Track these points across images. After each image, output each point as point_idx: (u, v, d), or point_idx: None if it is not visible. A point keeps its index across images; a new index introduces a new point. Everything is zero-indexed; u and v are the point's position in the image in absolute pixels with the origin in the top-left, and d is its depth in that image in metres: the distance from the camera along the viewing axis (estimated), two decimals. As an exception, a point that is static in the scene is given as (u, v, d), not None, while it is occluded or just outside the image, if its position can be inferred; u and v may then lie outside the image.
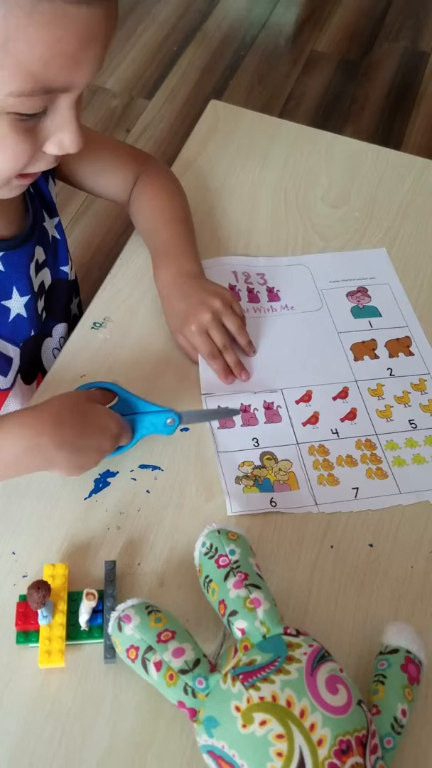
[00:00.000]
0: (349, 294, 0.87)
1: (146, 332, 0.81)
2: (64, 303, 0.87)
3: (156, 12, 2.52)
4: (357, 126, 2.19)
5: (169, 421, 0.70)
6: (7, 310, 0.76)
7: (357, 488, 0.72)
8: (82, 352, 0.79)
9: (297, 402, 0.78)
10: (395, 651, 0.58)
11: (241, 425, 0.75)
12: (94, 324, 0.81)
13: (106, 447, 0.66)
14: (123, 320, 0.82)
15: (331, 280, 0.88)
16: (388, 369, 0.80)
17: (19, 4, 0.49)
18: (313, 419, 0.76)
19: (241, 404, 0.76)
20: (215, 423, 0.75)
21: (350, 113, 2.24)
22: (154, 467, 0.71)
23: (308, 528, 0.69)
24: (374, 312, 0.85)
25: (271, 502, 0.70)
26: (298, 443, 0.74)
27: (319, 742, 0.49)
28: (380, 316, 0.85)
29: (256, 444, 0.74)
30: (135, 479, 0.70)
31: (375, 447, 0.74)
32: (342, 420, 0.76)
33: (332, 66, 2.40)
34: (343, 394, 0.78)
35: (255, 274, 0.88)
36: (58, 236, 0.83)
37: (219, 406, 0.76)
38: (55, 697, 0.58)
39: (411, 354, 0.82)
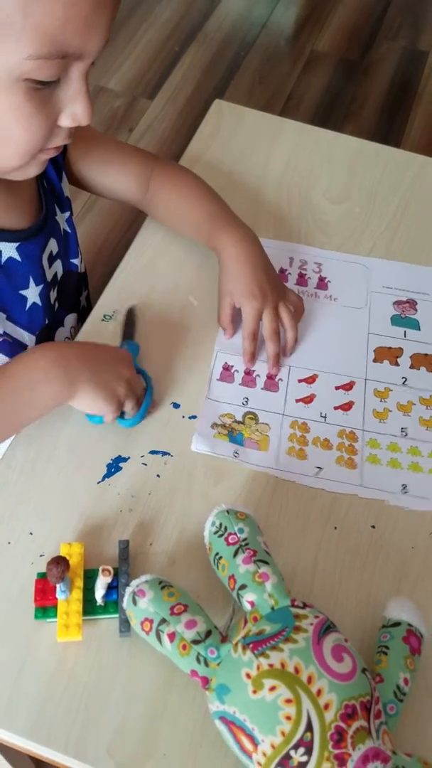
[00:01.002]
0: (397, 303, 0.88)
1: (155, 325, 0.84)
2: (74, 294, 0.90)
3: (157, 13, 2.55)
4: (357, 125, 2.21)
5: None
6: (24, 299, 0.78)
7: (321, 468, 0.74)
8: (94, 343, 0.82)
9: (299, 381, 0.81)
10: (397, 624, 0.61)
11: (239, 384, 0.79)
12: (105, 317, 0.84)
13: (125, 374, 0.71)
14: (132, 312, 0.85)
15: (385, 286, 0.90)
16: (402, 377, 0.82)
17: None
18: (308, 399, 0.79)
19: (246, 368, 0.81)
20: (215, 373, 0.79)
21: (350, 112, 2.27)
22: (164, 453, 0.74)
23: (313, 510, 0.72)
24: (414, 324, 0.87)
25: (234, 453, 0.73)
26: (283, 414, 0.78)
27: (326, 707, 0.52)
28: (418, 330, 0.86)
29: (245, 403, 0.78)
30: (146, 464, 0.73)
31: (356, 440, 0.77)
32: (335, 408, 0.79)
33: (332, 65, 2.43)
34: (348, 386, 0.81)
35: (313, 262, 0.92)
36: (69, 230, 0.86)
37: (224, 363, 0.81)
38: (73, 669, 0.61)
39: None
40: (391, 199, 1.00)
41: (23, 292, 0.78)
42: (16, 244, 0.75)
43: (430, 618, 0.63)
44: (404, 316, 0.87)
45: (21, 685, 0.60)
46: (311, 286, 0.90)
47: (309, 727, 0.51)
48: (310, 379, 0.81)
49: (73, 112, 0.61)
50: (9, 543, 0.67)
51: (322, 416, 0.78)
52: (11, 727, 0.58)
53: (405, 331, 0.86)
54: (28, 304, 0.79)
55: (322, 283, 0.90)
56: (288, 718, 0.51)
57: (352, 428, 0.77)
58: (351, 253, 0.93)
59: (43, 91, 0.59)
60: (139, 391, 0.74)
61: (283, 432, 0.77)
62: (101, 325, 0.84)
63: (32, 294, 0.79)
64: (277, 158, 1.04)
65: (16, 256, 0.75)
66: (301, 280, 0.90)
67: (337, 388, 0.81)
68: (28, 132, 0.61)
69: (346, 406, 0.79)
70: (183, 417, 0.77)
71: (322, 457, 0.75)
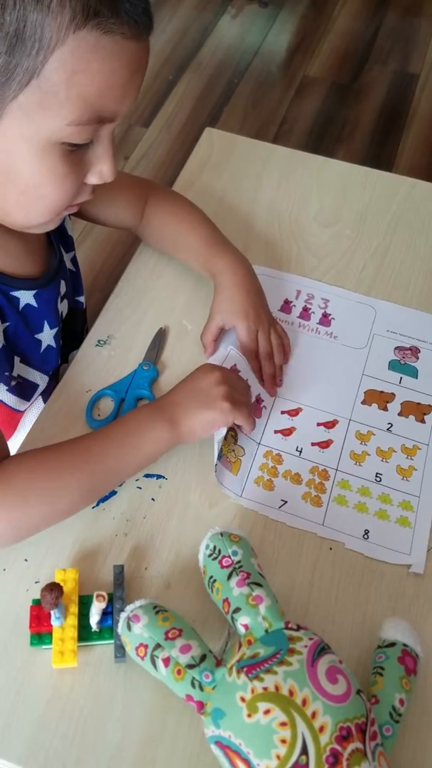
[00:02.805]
0: (399, 348, 0.87)
1: (147, 349, 0.85)
2: (80, 330, 0.91)
3: (151, 42, 2.58)
4: (349, 148, 2.24)
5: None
6: (39, 342, 0.79)
7: (285, 501, 0.74)
8: (88, 369, 0.83)
9: (282, 412, 0.81)
10: (392, 644, 0.61)
11: None
12: (99, 342, 0.85)
13: (220, 390, 0.72)
14: (125, 338, 0.86)
15: (389, 330, 0.89)
16: (389, 423, 0.80)
17: (86, 39, 0.53)
18: (287, 432, 0.79)
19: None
20: None
21: (342, 135, 2.29)
22: (158, 476, 0.74)
23: (307, 531, 0.72)
24: (411, 371, 0.85)
25: (215, 466, 0.74)
26: (259, 443, 0.78)
27: (321, 729, 0.52)
28: (415, 378, 0.85)
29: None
30: (140, 488, 0.73)
31: (327, 478, 0.76)
32: (312, 444, 0.78)
33: (324, 90, 2.46)
34: (330, 424, 0.80)
35: (320, 297, 0.91)
36: (74, 269, 0.88)
37: None
38: (68, 695, 0.61)
39: (422, 422, 0.81)
40: (380, 222, 1.01)
41: (38, 336, 0.79)
42: (33, 292, 0.76)
43: (425, 638, 0.63)
44: (403, 362, 0.86)
45: (17, 712, 0.60)
46: (314, 321, 0.89)
47: (304, 750, 0.51)
48: (294, 412, 0.81)
49: (100, 170, 0.64)
50: (4, 570, 0.67)
51: (297, 450, 0.77)
52: (7, 754, 0.57)
53: (401, 378, 0.84)
54: (43, 347, 0.80)
55: (326, 320, 0.89)
56: (283, 741, 0.51)
57: (325, 466, 0.76)
58: (343, 275, 0.94)
59: (76, 152, 0.61)
60: (245, 396, 0.76)
61: (256, 461, 0.76)
62: (95, 350, 0.84)
63: (47, 337, 0.80)
64: (267, 184, 1.05)
65: (33, 303, 0.76)
66: (305, 313, 0.90)
67: (319, 424, 0.80)
68: (60, 191, 0.63)
69: (324, 444, 0.78)
70: (177, 441, 0.77)
71: (289, 490, 0.74)
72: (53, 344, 0.81)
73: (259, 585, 0.60)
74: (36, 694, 0.61)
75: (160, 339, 0.85)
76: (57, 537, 0.69)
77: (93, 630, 0.63)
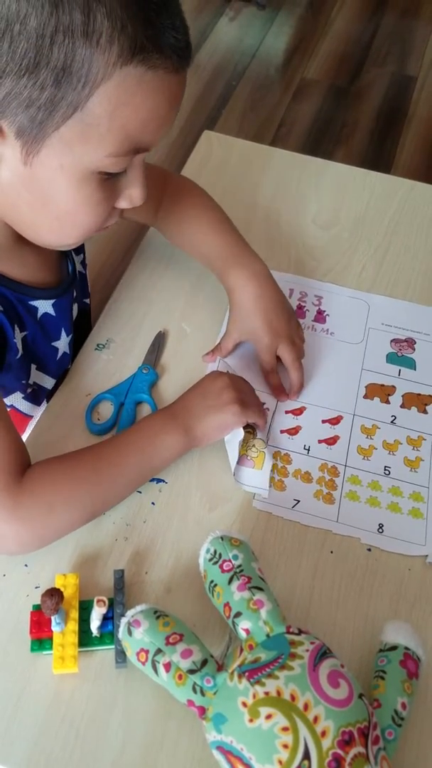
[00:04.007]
0: (395, 341, 0.88)
1: (147, 352, 0.84)
2: (86, 332, 0.91)
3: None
4: (348, 149, 2.24)
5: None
6: (56, 350, 0.79)
7: (298, 501, 0.74)
8: (87, 372, 0.82)
9: (287, 412, 0.81)
10: (394, 648, 0.61)
11: None
12: (98, 345, 0.85)
13: (231, 395, 0.73)
14: (125, 341, 0.86)
15: (384, 323, 0.90)
16: (392, 416, 0.81)
17: (132, 74, 0.53)
18: (293, 431, 0.79)
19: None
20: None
21: (341, 137, 2.30)
22: (159, 480, 0.74)
23: (308, 534, 0.72)
24: (410, 363, 0.86)
25: (233, 471, 0.74)
26: (267, 444, 0.77)
27: (323, 734, 0.51)
28: (414, 369, 0.85)
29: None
30: (140, 492, 0.73)
31: (337, 475, 0.76)
32: (320, 441, 0.78)
33: (322, 92, 2.47)
34: (335, 420, 0.80)
35: (313, 295, 0.92)
36: (83, 271, 0.88)
37: None
38: (69, 701, 0.60)
39: (424, 412, 0.82)
40: (379, 223, 1.01)
41: (55, 344, 0.79)
42: (52, 301, 0.76)
43: (427, 641, 0.63)
44: (401, 354, 0.87)
45: (17, 718, 0.59)
46: (309, 318, 0.90)
47: (306, 755, 0.51)
48: (298, 411, 0.81)
49: (130, 194, 0.64)
50: (4, 575, 0.67)
51: (305, 449, 0.78)
52: (8, 760, 0.57)
53: (400, 370, 0.85)
54: (59, 354, 0.80)
55: (320, 317, 0.90)
56: (285, 746, 0.51)
57: (334, 463, 0.77)
58: (342, 276, 0.94)
59: (110, 179, 0.61)
60: (253, 397, 0.77)
61: (266, 463, 0.76)
62: (94, 354, 0.84)
63: (63, 345, 0.80)
64: (266, 186, 1.05)
65: (51, 311, 0.76)
66: (299, 311, 0.90)
67: (323, 421, 0.80)
68: (93, 217, 0.63)
69: (331, 441, 0.79)
70: (177, 444, 0.77)
71: (301, 489, 0.75)
72: (68, 350, 0.82)
73: (260, 589, 0.60)
74: (37, 699, 0.60)
75: (159, 342, 0.85)
76: (57, 542, 0.69)
77: (94, 635, 0.62)
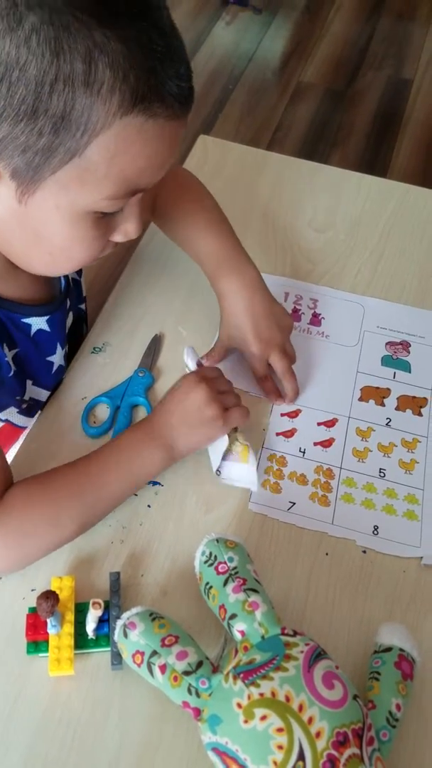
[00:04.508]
0: (390, 344, 0.88)
1: (143, 355, 0.85)
2: (82, 337, 0.91)
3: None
4: (344, 153, 2.25)
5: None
6: (51, 364, 0.79)
7: (294, 503, 0.74)
8: (83, 376, 0.83)
9: (282, 415, 0.81)
10: (389, 649, 0.61)
11: None
12: (94, 349, 0.85)
13: (212, 410, 0.71)
14: (121, 345, 0.86)
15: (379, 326, 0.90)
16: (387, 418, 0.81)
17: (132, 123, 0.53)
18: (289, 434, 0.79)
19: (235, 387, 0.79)
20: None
21: (337, 141, 2.30)
22: (155, 483, 0.74)
23: (303, 536, 0.72)
24: (404, 366, 0.86)
25: (217, 471, 0.74)
26: (263, 447, 0.78)
27: (318, 735, 0.52)
28: (408, 372, 0.86)
29: None
30: (136, 495, 0.73)
31: (332, 477, 0.76)
32: (315, 444, 0.79)
33: (318, 96, 2.47)
34: (330, 423, 0.81)
35: (309, 298, 0.92)
36: (77, 277, 0.87)
37: None
38: (66, 703, 0.61)
39: (419, 414, 0.82)
40: (374, 227, 1.01)
41: (50, 359, 0.78)
42: (46, 317, 0.75)
43: (422, 643, 0.63)
44: (396, 357, 0.87)
45: (14, 721, 0.60)
46: (304, 321, 0.90)
47: (301, 756, 0.51)
48: (293, 414, 0.81)
49: (126, 229, 0.63)
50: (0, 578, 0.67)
51: (300, 451, 0.78)
52: (4, 762, 0.57)
53: (395, 372, 0.85)
54: (54, 368, 0.80)
55: (316, 320, 0.90)
56: (280, 747, 0.51)
57: (329, 465, 0.77)
58: (337, 279, 0.95)
59: (106, 217, 0.61)
60: (231, 397, 0.75)
61: (261, 464, 0.77)
62: (90, 357, 0.85)
63: (58, 358, 0.80)
64: (261, 190, 1.06)
65: (46, 327, 0.76)
66: (295, 315, 0.90)
67: (319, 424, 0.81)
68: (88, 252, 0.63)
69: (326, 443, 0.79)
70: (173, 447, 0.77)
71: (297, 492, 0.75)
72: (63, 363, 0.81)
73: (255, 591, 0.60)
74: (33, 702, 0.60)
75: (155, 346, 0.86)
76: (53, 545, 0.69)
77: (89, 637, 0.63)
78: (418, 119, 2.39)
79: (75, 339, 0.89)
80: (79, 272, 0.88)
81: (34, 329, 0.75)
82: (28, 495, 0.67)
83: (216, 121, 2.35)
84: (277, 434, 0.79)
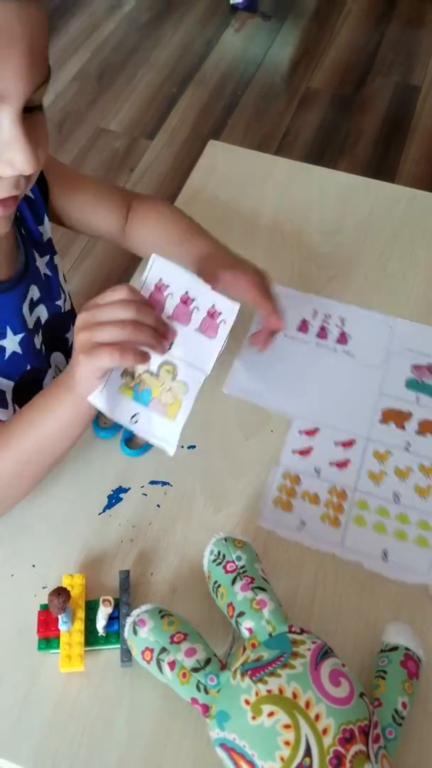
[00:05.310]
0: (417, 366, 0.87)
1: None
2: (61, 334, 0.91)
3: (155, 56, 2.62)
4: (352, 158, 2.26)
5: None
6: (2, 348, 0.78)
7: (304, 522, 0.73)
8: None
9: (300, 432, 0.80)
10: (395, 648, 0.62)
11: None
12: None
13: (77, 345, 0.62)
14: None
15: (407, 347, 0.89)
16: (406, 441, 0.80)
17: None
18: (305, 452, 0.79)
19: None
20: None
21: (345, 146, 2.31)
22: (164, 483, 0.75)
23: (326, 552, 0.72)
24: (429, 390, 0.84)
25: (132, 418, 0.64)
26: (279, 464, 0.78)
27: (324, 731, 0.52)
28: None
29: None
30: (146, 494, 0.74)
31: (345, 498, 0.75)
32: (331, 464, 0.78)
33: (326, 101, 2.49)
34: (348, 443, 0.80)
35: (337, 317, 0.91)
36: (49, 273, 0.86)
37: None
38: (76, 699, 0.62)
39: None
40: (382, 231, 1.02)
41: (1, 342, 0.77)
42: None
43: (427, 642, 0.64)
44: (421, 380, 0.85)
45: (25, 716, 0.60)
46: (331, 339, 0.89)
47: (308, 752, 0.52)
48: (311, 432, 0.80)
49: (11, 159, 0.59)
50: (12, 575, 0.68)
51: (315, 471, 0.77)
52: (16, 757, 0.58)
53: (418, 396, 0.84)
54: (7, 354, 0.78)
55: (343, 338, 0.89)
56: (287, 743, 0.52)
57: (343, 486, 0.76)
58: (345, 283, 0.95)
59: None
60: (112, 329, 0.61)
61: (273, 483, 0.76)
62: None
63: (11, 343, 0.78)
64: (270, 195, 1.07)
65: None
66: (322, 332, 0.90)
67: (336, 444, 0.80)
68: None
69: (342, 464, 0.78)
70: (182, 447, 0.78)
71: (308, 511, 0.74)
72: (19, 350, 0.79)
73: (262, 589, 0.61)
74: (44, 697, 0.61)
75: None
76: (64, 543, 0.70)
77: (99, 634, 0.63)
78: (426, 125, 2.39)
79: (58, 335, 0.89)
80: (53, 269, 0.87)
81: None
82: None
83: (225, 126, 2.37)
84: (294, 452, 0.79)
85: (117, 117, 2.37)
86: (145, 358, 0.63)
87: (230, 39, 2.73)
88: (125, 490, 0.75)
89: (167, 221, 0.91)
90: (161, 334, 0.63)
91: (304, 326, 0.91)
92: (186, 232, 0.89)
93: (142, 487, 0.75)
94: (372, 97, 2.50)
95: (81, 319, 0.62)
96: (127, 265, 0.94)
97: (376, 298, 0.94)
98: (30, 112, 0.59)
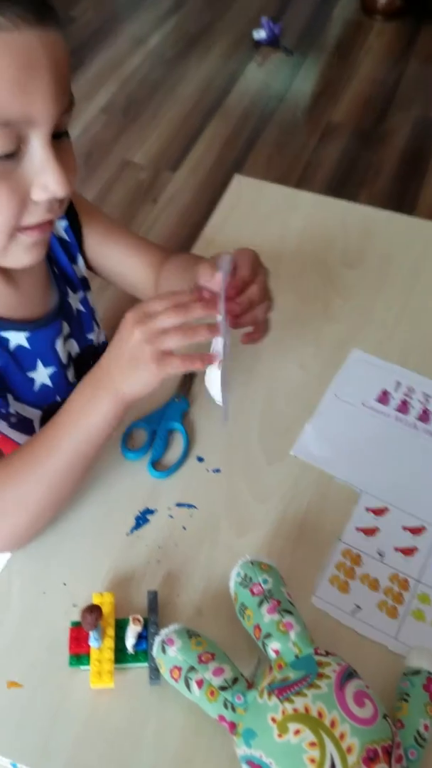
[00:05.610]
0: None
1: (179, 382, 0.88)
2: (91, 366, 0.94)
3: (180, 90, 2.69)
4: (372, 191, 2.30)
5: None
6: (32, 380, 0.81)
7: (359, 607, 0.70)
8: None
9: (367, 509, 0.78)
10: (417, 672, 0.63)
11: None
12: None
13: (147, 357, 0.65)
14: (159, 373, 0.89)
15: None
16: None
17: None
18: (370, 531, 0.76)
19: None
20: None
21: (365, 179, 2.35)
22: (189, 505, 0.77)
23: (378, 643, 0.71)
24: None
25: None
26: (340, 539, 0.75)
27: (349, 750, 0.54)
28: None
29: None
30: (172, 516, 0.76)
31: (407, 589, 0.72)
32: (396, 549, 0.74)
33: (347, 135, 2.53)
34: (417, 530, 0.76)
35: (421, 392, 0.88)
36: (83, 309, 0.89)
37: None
38: (106, 714, 0.63)
39: None
40: (404, 263, 1.05)
41: (31, 375, 0.80)
42: (26, 334, 0.77)
43: (450, 666, 0.65)
44: None
45: (56, 730, 0.62)
46: (412, 415, 0.86)
47: (333, 770, 0.53)
48: (379, 511, 0.77)
49: (44, 183, 0.61)
50: (44, 593, 0.70)
51: (379, 554, 0.74)
52: (47, 769, 0.60)
53: None
54: (37, 386, 0.81)
55: (425, 416, 0.86)
56: (312, 760, 0.53)
57: (406, 575, 0.72)
58: (368, 313, 0.98)
59: (5, 165, 0.59)
60: (176, 336, 0.65)
61: (333, 558, 0.74)
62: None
63: (40, 376, 0.81)
64: (294, 227, 1.10)
65: (25, 344, 0.78)
66: (403, 407, 0.86)
67: (405, 528, 0.76)
68: (2, 212, 0.61)
69: (408, 551, 0.74)
70: (207, 470, 0.80)
71: (365, 596, 0.71)
72: (49, 383, 0.82)
73: (289, 612, 0.63)
74: (75, 712, 0.63)
75: (191, 372, 0.89)
76: (93, 562, 0.72)
77: (129, 652, 0.65)
78: (445, 159, 2.43)
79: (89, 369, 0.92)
80: (86, 305, 0.90)
81: (12, 344, 0.77)
82: None
83: (247, 159, 2.42)
84: (358, 529, 0.76)
85: (142, 149, 2.43)
86: (211, 359, 0.68)
87: (253, 73, 2.79)
88: (152, 512, 0.77)
89: (183, 256, 0.91)
90: (214, 328, 0.67)
91: (384, 398, 0.88)
92: (197, 258, 0.87)
93: (169, 509, 0.77)
94: (392, 131, 2.54)
95: (139, 330, 0.64)
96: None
97: (399, 327, 0.96)
98: (58, 138, 0.62)
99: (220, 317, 0.68)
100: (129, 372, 0.66)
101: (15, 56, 0.55)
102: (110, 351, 0.68)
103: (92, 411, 0.68)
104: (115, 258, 0.92)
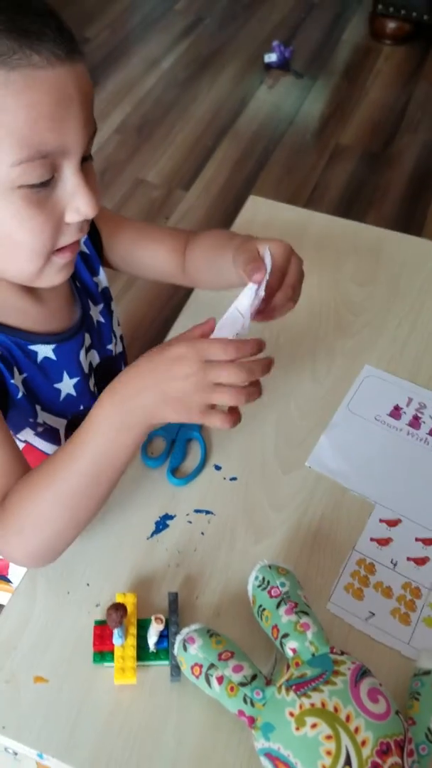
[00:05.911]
0: None
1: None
2: (112, 376, 0.96)
3: (192, 111, 2.74)
4: (379, 213, 2.34)
5: None
6: (59, 391, 0.83)
7: (373, 614, 0.73)
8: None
9: (381, 521, 0.80)
10: (428, 672, 0.66)
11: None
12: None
13: (184, 372, 0.62)
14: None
15: None
16: None
17: None
18: (384, 541, 0.78)
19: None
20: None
21: (373, 201, 2.40)
22: (207, 512, 0.80)
23: (392, 648, 0.73)
24: None
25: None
26: (354, 548, 0.78)
27: (363, 743, 0.56)
28: None
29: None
30: (191, 522, 0.79)
31: (419, 596, 0.74)
32: (408, 559, 0.77)
33: (355, 157, 2.58)
34: (429, 541, 0.78)
35: None
36: (102, 320, 0.92)
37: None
38: (128, 709, 0.66)
39: None
40: (413, 282, 1.08)
41: (57, 386, 0.83)
42: (53, 346, 0.80)
43: (459, 668, 0.67)
44: None
45: (81, 723, 0.65)
46: (423, 430, 0.88)
47: (348, 762, 0.55)
48: (393, 522, 0.80)
49: (77, 206, 0.64)
50: (68, 593, 0.73)
51: (392, 563, 0.77)
52: (73, 760, 0.63)
53: None
54: (63, 396, 0.84)
55: None
56: (328, 753, 0.56)
57: (419, 584, 0.75)
58: (378, 330, 1.01)
59: (40, 192, 0.62)
60: (229, 376, 0.61)
61: (347, 568, 0.76)
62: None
63: (66, 386, 0.84)
64: (306, 246, 1.13)
65: (52, 356, 0.80)
66: (415, 422, 0.89)
67: (417, 539, 0.79)
68: (31, 234, 0.64)
69: (421, 561, 0.77)
70: (224, 478, 0.83)
71: (379, 603, 0.74)
72: (73, 392, 0.85)
73: (306, 613, 0.65)
74: (98, 707, 0.66)
75: None
76: (115, 565, 0.75)
77: (150, 651, 0.68)
78: (453, 182, 2.48)
79: (111, 378, 0.94)
80: (106, 316, 0.92)
81: (40, 356, 0.80)
82: (19, 494, 0.67)
83: (257, 179, 2.46)
84: (372, 539, 0.79)
85: (155, 168, 2.48)
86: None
87: (264, 96, 2.85)
88: (171, 518, 0.80)
89: (215, 232, 0.91)
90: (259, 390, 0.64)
91: (396, 412, 0.90)
92: (232, 234, 0.86)
93: (187, 515, 0.80)
94: (400, 153, 2.59)
95: (194, 381, 0.61)
96: (172, 294, 0.99)
97: (408, 345, 0.99)
98: (84, 162, 0.66)
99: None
100: (167, 413, 0.63)
101: (51, 92, 0.58)
102: (147, 379, 0.64)
103: (118, 441, 0.65)
104: (146, 255, 0.94)
